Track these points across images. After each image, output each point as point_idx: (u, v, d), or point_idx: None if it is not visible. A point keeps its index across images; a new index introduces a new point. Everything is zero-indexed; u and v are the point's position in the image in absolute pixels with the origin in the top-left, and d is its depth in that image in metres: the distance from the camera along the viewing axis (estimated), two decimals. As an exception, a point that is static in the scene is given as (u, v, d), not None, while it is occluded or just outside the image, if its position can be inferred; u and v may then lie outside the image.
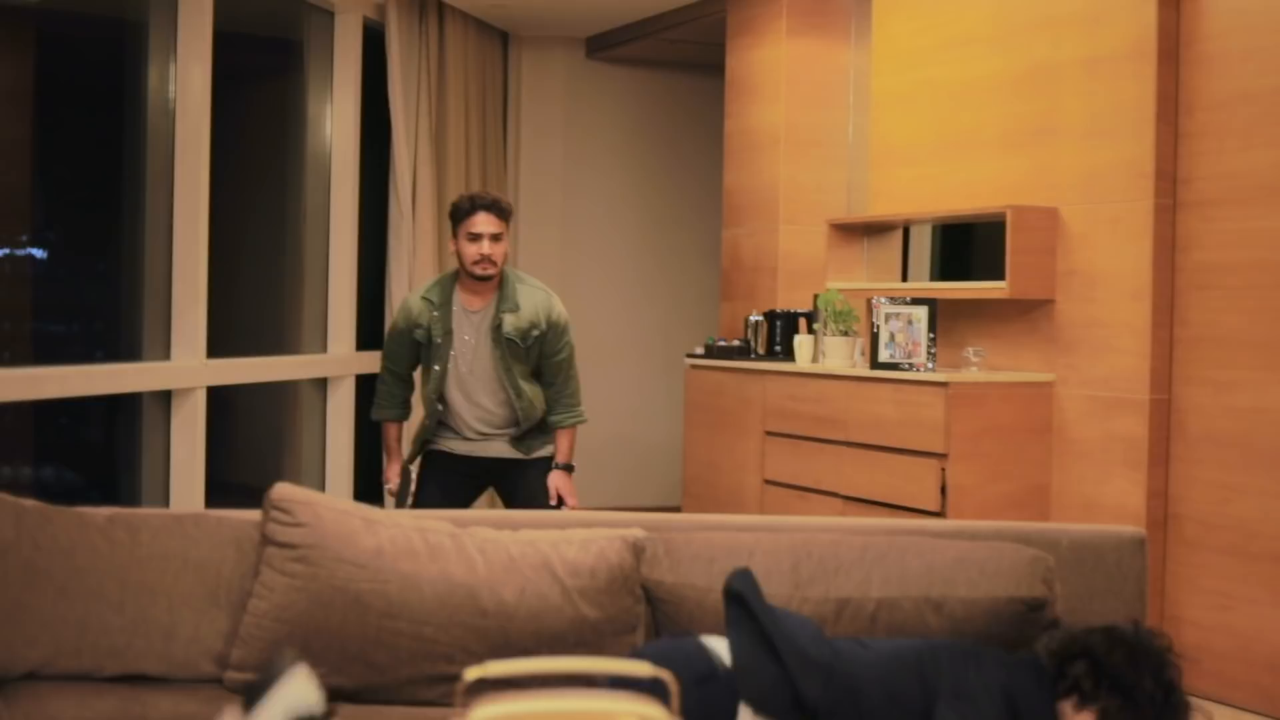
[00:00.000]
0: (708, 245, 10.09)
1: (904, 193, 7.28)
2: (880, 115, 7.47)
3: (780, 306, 8.01)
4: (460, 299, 5.75)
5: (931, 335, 6.53)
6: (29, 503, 3.71)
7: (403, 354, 5.90)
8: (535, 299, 5.76)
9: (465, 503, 5.89)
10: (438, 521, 3.80)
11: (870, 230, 7.45)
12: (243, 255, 8.29)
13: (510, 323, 5.68)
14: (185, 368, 6.94)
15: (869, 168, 7.62)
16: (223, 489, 7.25)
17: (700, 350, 8.06)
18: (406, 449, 6.12)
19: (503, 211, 5.69)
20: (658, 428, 10.17)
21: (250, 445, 8.61)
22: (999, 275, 6.40)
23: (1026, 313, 6.50)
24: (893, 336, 6.60)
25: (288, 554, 3.61)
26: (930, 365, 6.52)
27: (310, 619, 3.57)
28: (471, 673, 2.48)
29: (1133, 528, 4.12)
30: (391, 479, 6.05)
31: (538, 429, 5.89)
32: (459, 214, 5.67)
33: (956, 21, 6.96)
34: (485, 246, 5.61)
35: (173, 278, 7.02)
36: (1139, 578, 4.01)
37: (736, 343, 7.89)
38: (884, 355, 6.60)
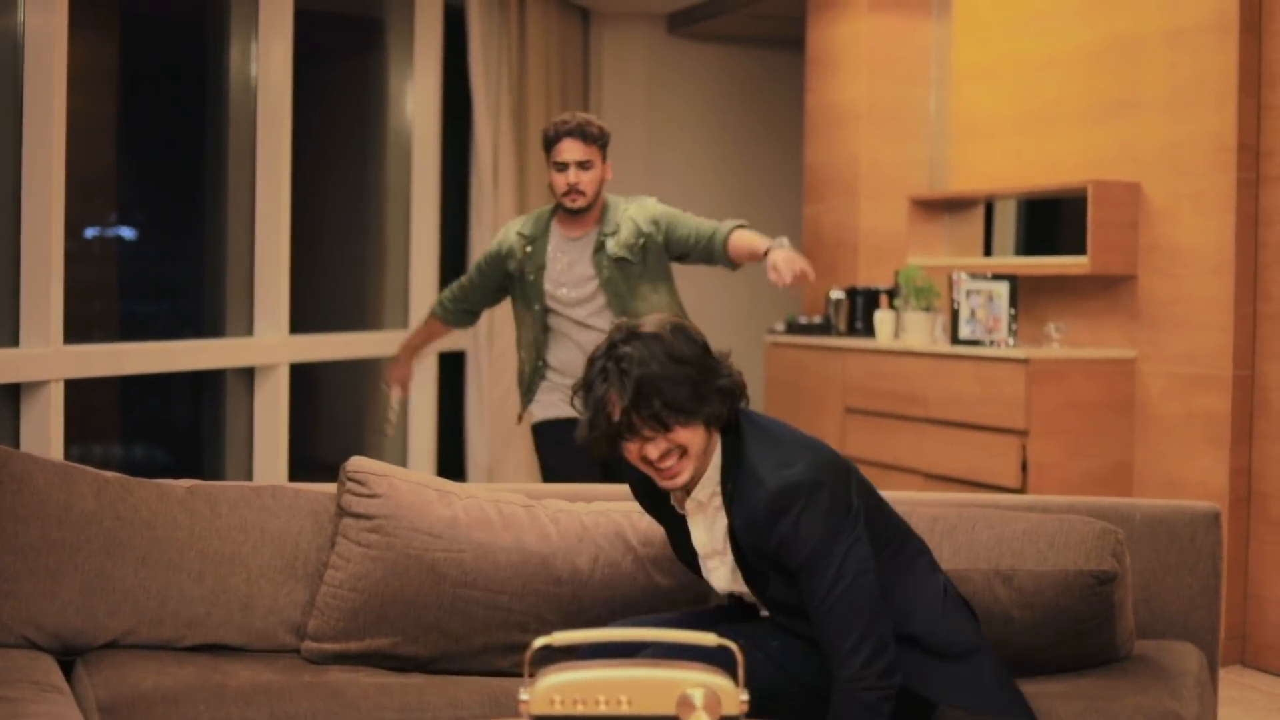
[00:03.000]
0: (790, 222, 10.06)
1: (986, 168, 7.23)
2: (961, 89, 7.43)
3: (861, 283, 7.98)
4: (558, 230, 5.31)
5: (1013, 311, 6.49)
6: (110, 475, 3.78)
7: (484, 282, 5.46)
8: (630, 212, 5.28)
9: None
10: (511, 494, 3.84)
11: (951, 206, 7.41)
12: (325, 232, 8.35)
13: (613, 244, 5.23)
14: (268, 344, 7.01)
15: (950, 143, 7.57)
16: (306, 465, 7.33)
17: (781, 327, 8.05)
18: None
19: (590, 136, 5.21)
20: (740, 404, 10.16)
21: (333, 421, 8.69)
22: (1082, 250, 6.35)
23: (1108, 288, 6.45)
24: (973, 313, 6.57)
25: (363, 524, 3.66)
26: (1011, 341, 6.48)
27: (386, 588, 3.62)
28: (539, 641, 2.50)
29: (1207, 503, 4.08)
30: (391, 382, 5.71)
31: None
32: (546, 142, 5.23)
33: (1038, -5, 6.91)
34: (572, 175, 5.18)
35: (255, 255, 7.09)
36: (1213, 552, 3.99)
37: (817, 319, 7.88)
38: (965, 331, 6.57)
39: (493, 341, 8.69)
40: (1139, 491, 6.24)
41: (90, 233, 6.88)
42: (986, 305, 6.55)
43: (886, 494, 3.38)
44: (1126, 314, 6.38)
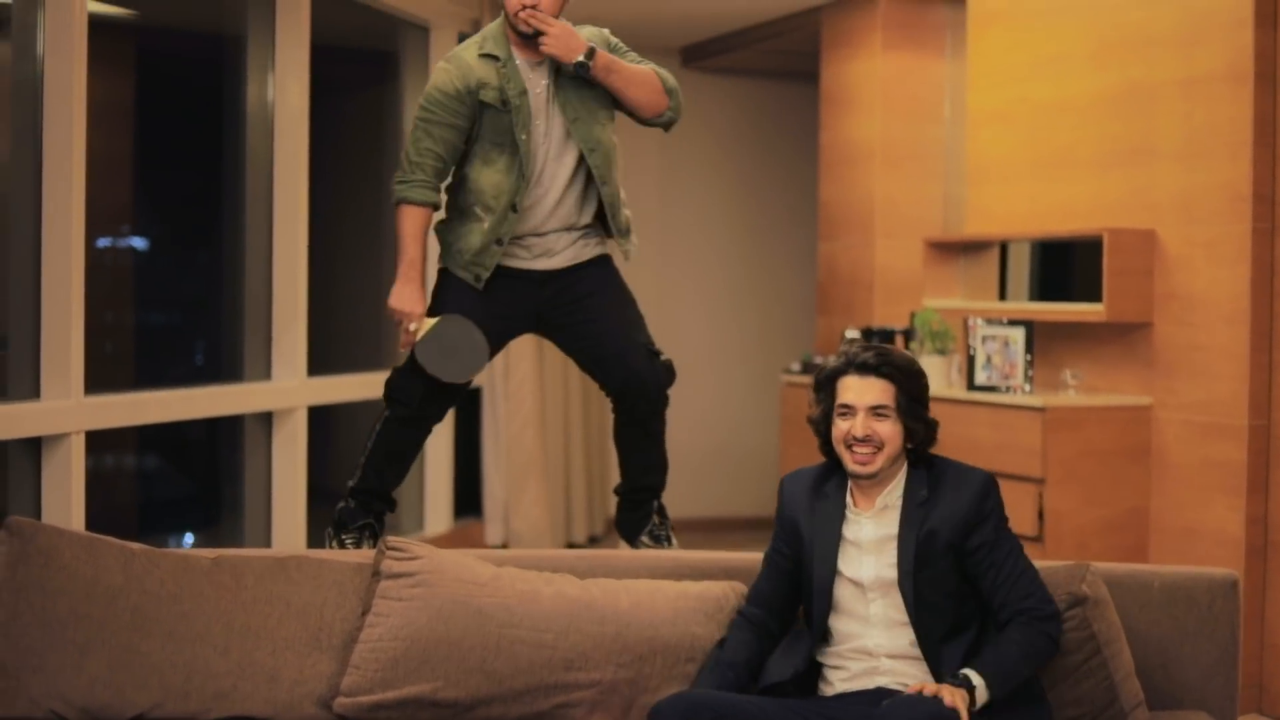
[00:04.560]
0: (803, 254, 10.10)
1: (1000, 210, 7.25)
2: (976, 132, 7.45)
3: (877, 321, 8.01)
4: (518, 54, 4.40)
5: (1029, 357, 6.52)
6: (136, 546, 3.81)
7: (456, 134, 4.39)
8: (586, 31, 4.43)
9: (497, 349, 4.55)
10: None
11: (967, 248, 7.44)
12: (340, 267, 8.39)
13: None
14: (286, 388, 7.05)
15: (965, 184, 7.59)
16: (324, 494, 7.34)
17: (796, 366, 8.08)
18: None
19: None
20: (754, 436, 10.19)
21: (351, 452, 8.69)
22: (1098, 295, 6.36)
23: (1124, 335, 6.47)
24: (989, 359, 6.59)
25: (405, 581, 3.73)
26: (1027, 387, 6.51)
27: (430, 632, 3.68)
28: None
29: (1225, 570, 4.10)
30: (411, 316, 4.46)
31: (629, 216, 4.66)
32: None
33: (1052, 39, 6.93)
34: None
35: (273, 298, 7.12)
36: (1231, 620, 4.01)
37: (833, 359, 7.90)
38: (980, 377, 6.60)
39: (509, 376, 8.72)
40: (1155, 540, 6.26)
41: (105, 245, 6.94)
42: (1003, 351, 6.57)
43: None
44: (1142, 361, 6.39)
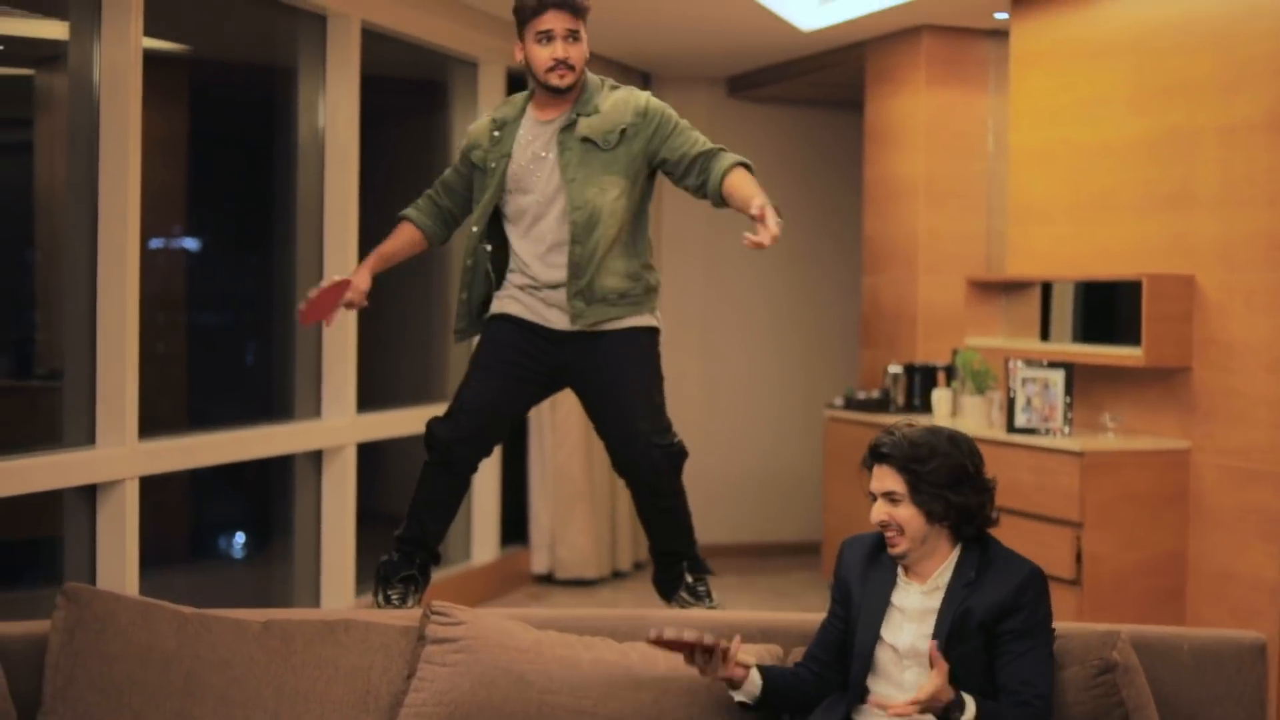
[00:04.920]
0: (848, 284, 10.17)
1: (1042, 250, 7.31)
2: (1018, 172, 7.51)
3: (920, 356, 8.09)
4: (532, 114, 4.51)
5: (1068, 399, 6.58)
6: (188, 611, 3.92)
7: (459, 180, 4.66)
8: (618, 96, 4.50)
9: (522, 404, 4.65)
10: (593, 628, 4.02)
11: (1008, 287, 7.50)
12: (390, 302, 8.51)
13: (585, 125, 4.45)
14: (335, 426, 7.17)
15: (1008, 222, 7.65)
16: (374, 517, 7.47)
17: (839, 401, 8.15)
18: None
19: (578, 9, 4.42)
20: (798, 463, 10.26)
21: (401, 476, 8.82)
22: (1139, 337, 6.42)
23: (1164, 378, 6.53)
24: (1029, 401, 6.65)
25: (449, 647, 3.81)
26: (1067, 430, 6.57)
27: (473, 698, 3.76)
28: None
29: (1253, 633, 4.16)
30: (353, 291, 4.58)
31: (615, 287, 4.48)
32: (524, 14, 4.43)
33: (1094, 82, 6.99)
34: (559, 49, 4.38)
35: (323, 334, 7.25)
36: (1259, 684, 4.06)
37: (876, 394, 7.98)
38: (1020, 420, 6.66)
39: (555, 407, 8.83)
40: (1192, 583, 6.32)
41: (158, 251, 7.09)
42: (1042, 393, 6.63)
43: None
44: (1181, 405, 6.45)
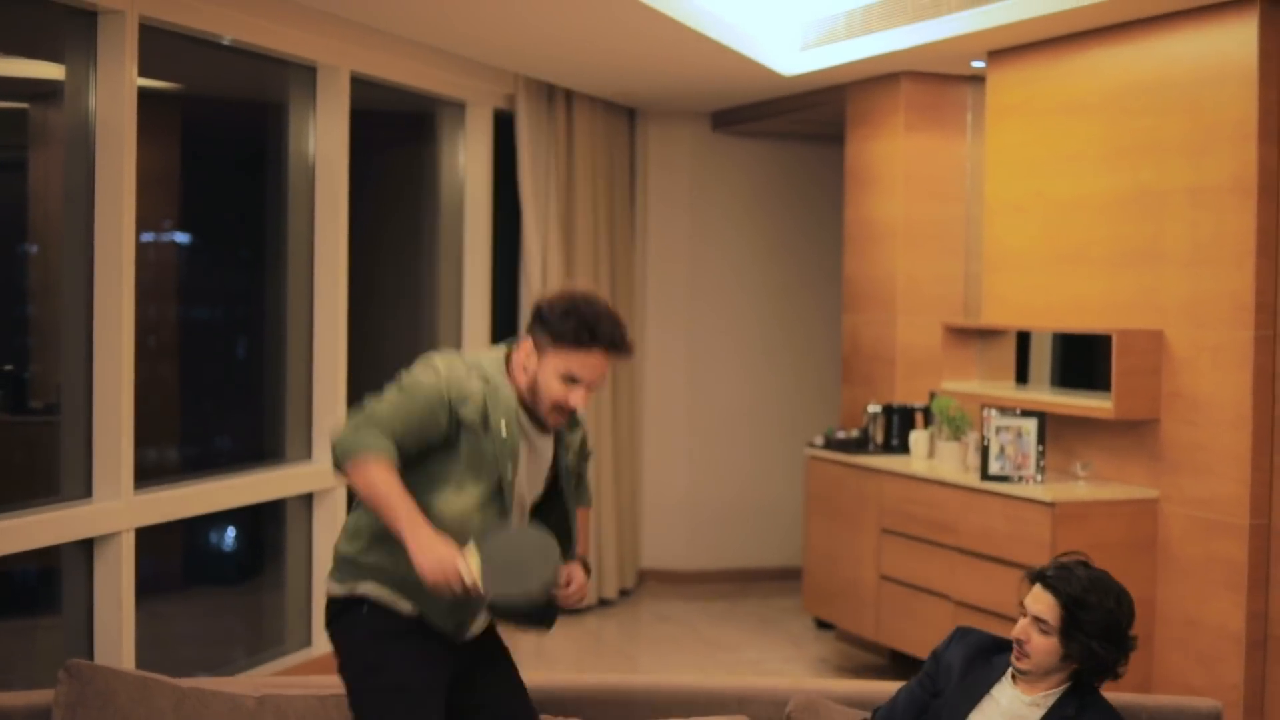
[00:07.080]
0: (830, 317, 10.32)
1: (1016, 300, 7.47)
2: (993, 220, 7.66)
3: (899, 396, 8.25)
4: (524, 417, 3.84)
5: (1040, 448, 6.74)
6: (186, 685, 4.08)
7: (421, 432, 3.75)
8: (585, 428, 4.15)
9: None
10: None
11: (984, 334, 7.66)
12: (378, 331, 8.66)
13: (567, 448, 4.03)
14: (327, 470, 7.28)
15: (984, 268, 7.80)
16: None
17: (820, 441, 8.31)
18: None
19: (626, 352, 3.86)
20: (783, 491, 10.42)
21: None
22: (1110, 387, 6.58)
23: (1133, 428, 6.69)
24: (1003, 449, 6.82)
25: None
26: (1039, 478, 6.73)
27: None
28: None
29: (1209, 701, 4.36)
30: (453, 559, 3.57)
31: None
32: (563, 336, 3.77)
33: (1067, 137, 7.14)
34: (579, 396, 3.79)
35: (313, 376, 7.39)
36: (1214, 751, 4.25)
37: (855, 434, 8.14)
38: (994, 467, 6.82)
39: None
40: (1160, 631, 6.48)
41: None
42: (1015, 441, 6.80)
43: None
44: (1150, 455, 6.62)
